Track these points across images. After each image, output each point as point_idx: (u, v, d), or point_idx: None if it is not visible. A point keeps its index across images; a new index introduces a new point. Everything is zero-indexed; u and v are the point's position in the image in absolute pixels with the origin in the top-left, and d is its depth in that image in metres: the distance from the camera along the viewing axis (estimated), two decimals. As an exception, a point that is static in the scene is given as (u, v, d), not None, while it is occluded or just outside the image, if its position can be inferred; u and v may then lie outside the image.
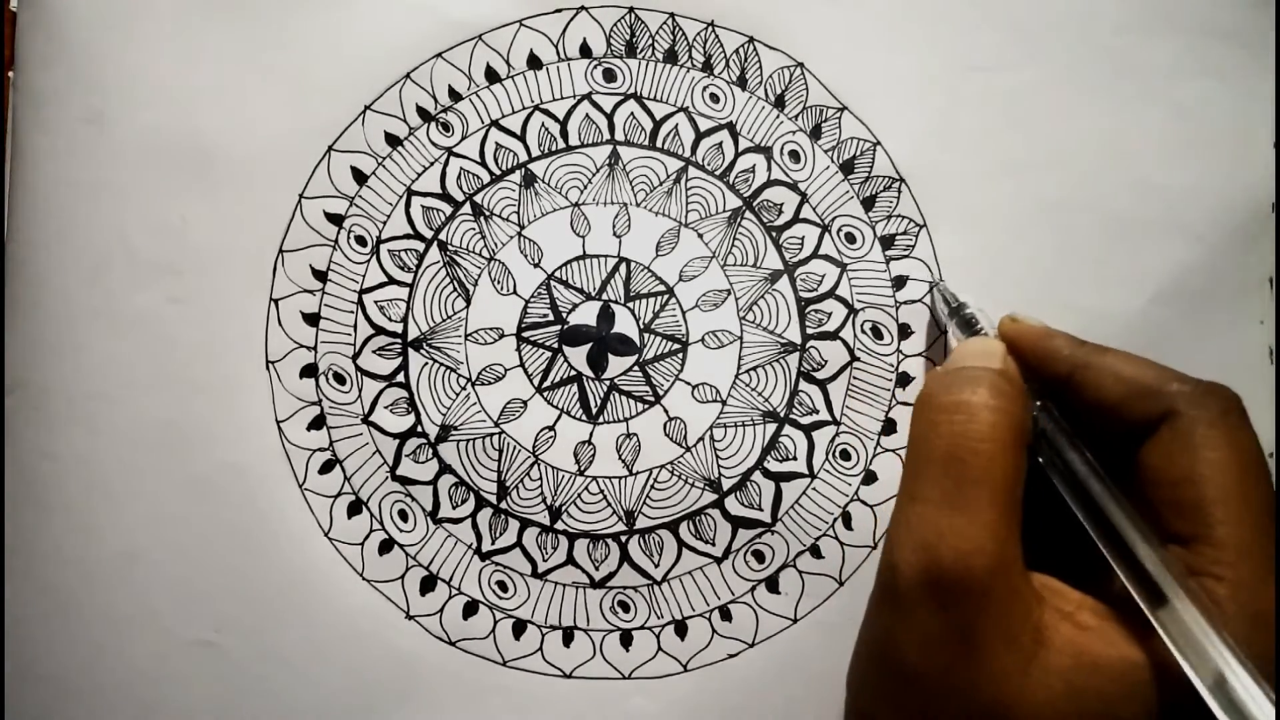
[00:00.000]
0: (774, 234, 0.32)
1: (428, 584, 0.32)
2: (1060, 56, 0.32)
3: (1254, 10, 0.32)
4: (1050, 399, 0.27)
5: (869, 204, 0.32)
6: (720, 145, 0.33)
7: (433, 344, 0.32)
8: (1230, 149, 0.32)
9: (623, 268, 0.32)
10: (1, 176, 0.33)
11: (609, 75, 0.33)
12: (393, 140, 0.32)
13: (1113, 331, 0.31)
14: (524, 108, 0.33)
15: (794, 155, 0.33)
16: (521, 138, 0.33)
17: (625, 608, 0.32)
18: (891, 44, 0.32)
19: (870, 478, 0.32)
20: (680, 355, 0.32)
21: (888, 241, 0.32)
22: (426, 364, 0.32)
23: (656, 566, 0.32)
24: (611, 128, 0.33)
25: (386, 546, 0.32)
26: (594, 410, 0.32)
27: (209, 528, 0.32)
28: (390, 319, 0.32)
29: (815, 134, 0.33)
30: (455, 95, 0.33)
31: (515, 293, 0.32)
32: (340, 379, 0.32)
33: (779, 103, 0.33)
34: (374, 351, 0.32)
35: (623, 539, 0.32)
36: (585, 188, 0.32)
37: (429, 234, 0.32)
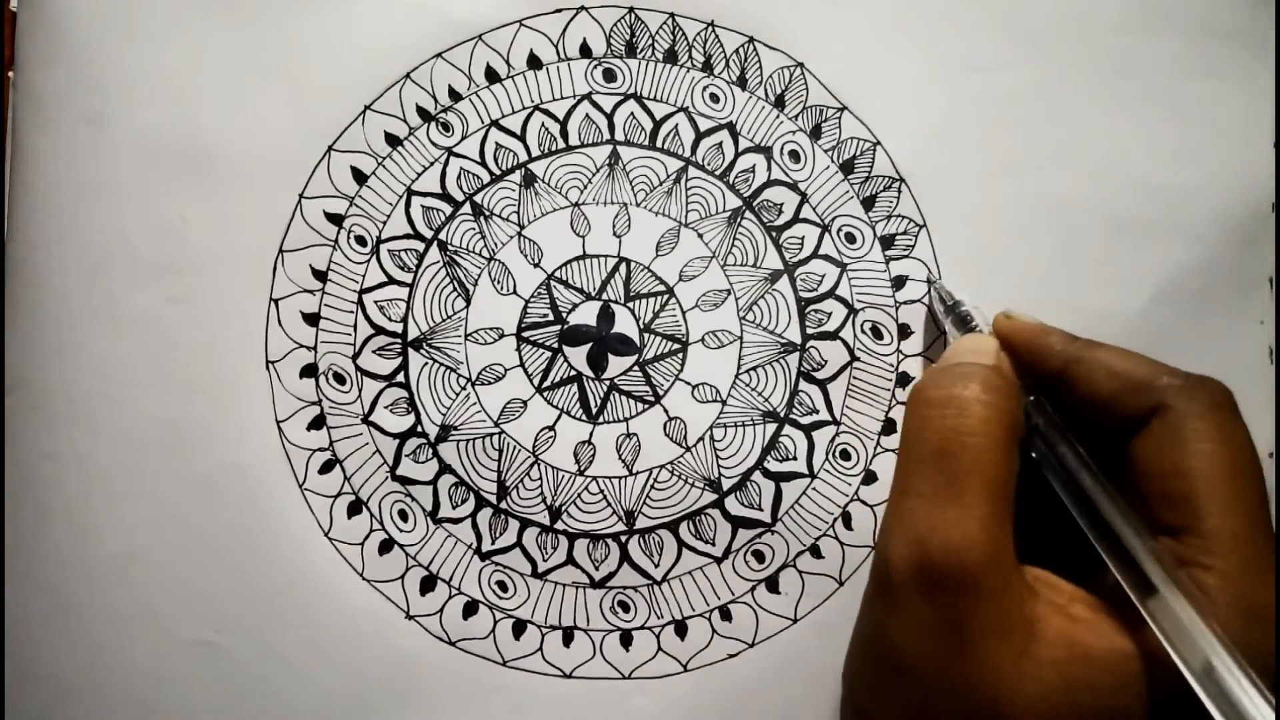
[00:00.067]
0: (774, 234, 0.32)
1: (428, 584, 0.32)
2: (1060, 56, 0.32)
3: (1254, 10, 0.32)
4: (1044, 394, 0.28)
5: (869, 204, 0.32)
6: (720, 145, 0.33)
7: (433, 344, 0.32)
8: (1230, 149, 0.32)
9: (623, 268, 0.32)
10: (1, 176, 0.33)
11: (609, 75, 0.33)
12: (393, 140, 0.32)
13: (1113, 331, 0.31)
14: (524, 108, 0.33)
15: (794, 155, 0.33)
16: (521, 138, 0.33)
17: (625, 608, 0.32)
18: (891, 44, 0.32)
19: (870, 478, 0.32)
20: (680, 355, 0.32)
21: (888, 241, 0.32)
22: (426, 364, 0.32)
23: (656, 566, 0.32)
24: (611, 128, 0.33)
25: (386, 546, 0.32)
26: (594, 410, 0.32)
27: (209, 528, 0.32)
28: (390, 319, 0.32)
29: (815, 134, 0.33)
30: (455, 95, 0.33)
31: (515, 293, 0.32)
32: (340, 379, 0.32)
33: (779, 103, 0.33)
34: (374, 351, 0.32)
35: (623, 539, 0.32)
36: (585, 188, 0.32)
37: (429, 234, 0.32)
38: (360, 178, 0.32)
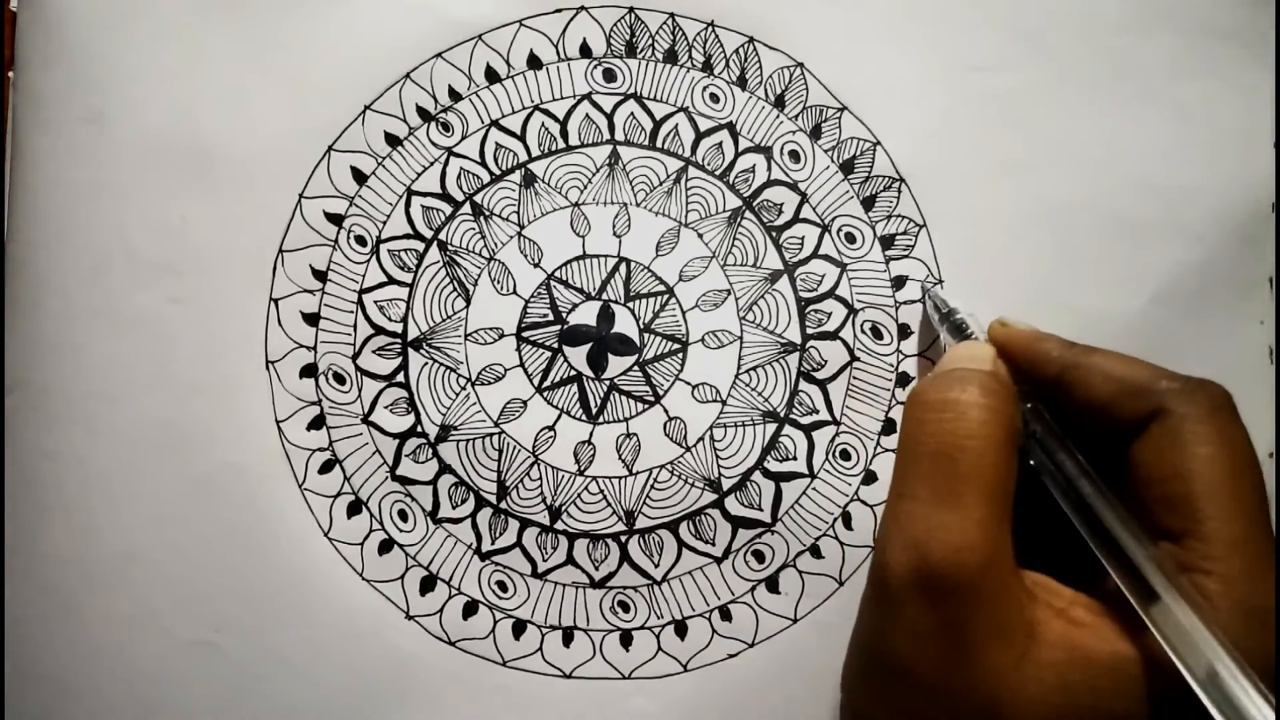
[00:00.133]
0: (774, 234, 0.32)
1: (427, 584, 0.32)
2: (1060, 56, 0.32)
3: (1254, 10, 0.32)
4: (1041, 401, 0.28)
5: (869, 204, 0.32)
6: (720, 145, 0.33)
7: (432, 344, 0.32)
8: (1230, 149, 0.32)
9: (623, 268, 0.32)
10: (1, 176, 0.33)
11: (609, 75, 0.33)
12: (393, 140, 0.32)
13: (1113, 331, 0.31)
14: (524, 108, 0.33)
15: (794, 155, 0.33)
16: (521, 138, 0.33)
17: (625, 608, 0.32)
18: (891, 44, 0.32)
19: (870, 478, 0.32)
20: (680, 355, 0.32)
21: (888, 241, 0.32)
22: (426, 364, 0.32)
23: (656, 566, 0.32)
24: (611, 128, 0.33)
25: (386, 546, 0.32)
26: (594, 410, 0.32)
27: (209, 528, 0.32)
28: (390, 319, 0.32)
29: (815, 134, 0.33)
30: (455, 95, 0.33)
31: (515, 293, 0.32)
32: (340, 379, 0.32)
33: (779, 103, 0.33)
34: (374, 351, 0.32)
35: (623, 539, 0.32)
36: (585, 188, 0.32)
37: (429, 234, 0.32)
38: (360, 178, 0.32)
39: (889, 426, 0.32)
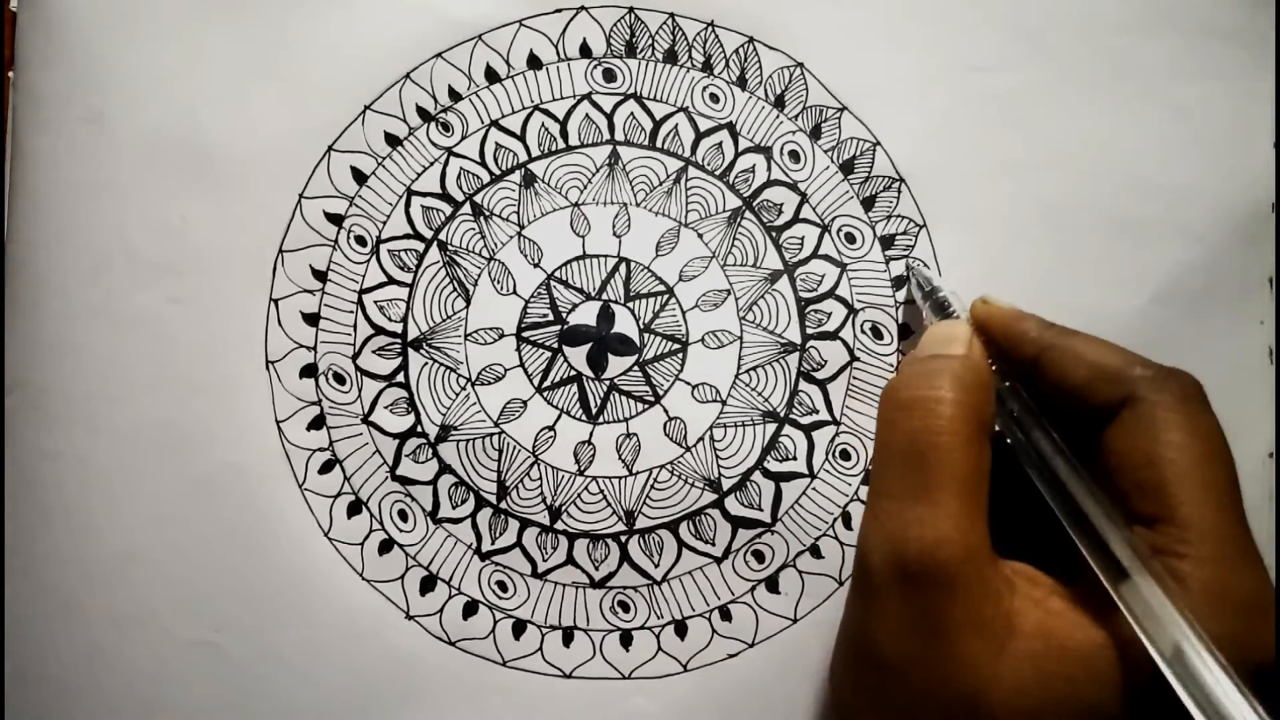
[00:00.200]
0: (774, 234, 0.32)
1: (427, 584, 0.32)
2: (1060, 56, 0.32)
3: (1254, 10, 0.32)
4: (1019, 381, 0.28)
5: (869, 204, 0.32)
6: (720, 145, 0.33)
7: (432, 344, 0.32)
8: (1230, 149, 0.32)
9: (623, 268, 0.32)
10: (1, 176, 0.33)
11: (609, 75, 0.33)
12: (393, 140, 0.32)
13: (1113, 331, 0.31)
14: (524, 108, 0.33)
15: (794, 155, 0.33)
16: (521, 138, 0.33)
17: (625, 608, 0.32)
18: (891, 44, 0.32)
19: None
20: (680, 355, 0.32)
21: (888, 241, 0.32)
22: (426, 364, 0.32)
23: (656, 566, 0.32)
24: (611, 128, 0.33)
25: (386, 546, 0.32)
26: (594, 410, 0.32)
27: (209, 528, 0.32)
28: (390, 319, 0.32)
29: (815, 134, 0.33)
30: (455, 95, 0.33)
31: (515, 293, 0.32)
32: (340, 379, 0.32)
33: (779, 103, 0.33)
34: (374, 351, 0.32)
35: (623, 539, 0.32)
36: (585, 188, 0.32)
37: (429, 234, 0.32)
38: (360, 178, 0.32)
39: (889, 426, 0.32)
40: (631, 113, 0.33)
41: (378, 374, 0.32)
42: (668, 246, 0.32)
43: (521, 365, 0.32)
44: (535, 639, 0.32)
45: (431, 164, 0.33)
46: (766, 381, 0.32)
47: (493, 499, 0.32)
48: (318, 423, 0.32)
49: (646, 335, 0.32)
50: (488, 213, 0.32)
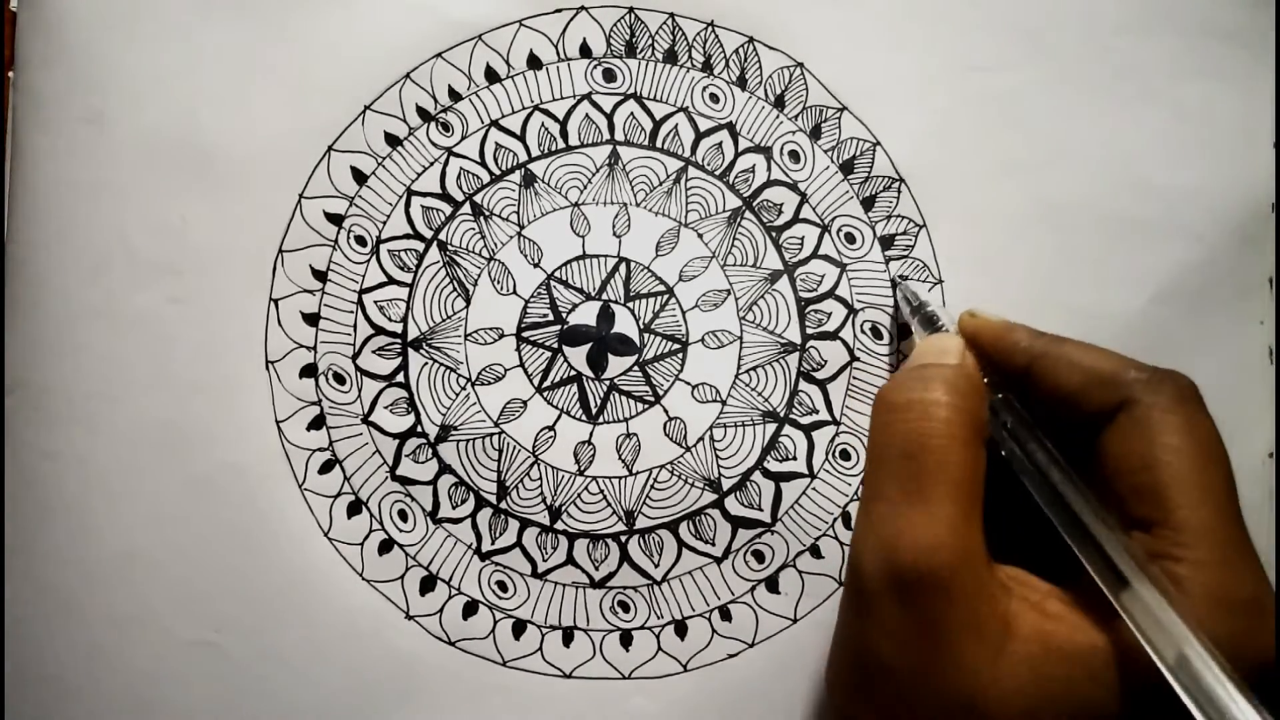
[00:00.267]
0: (774, 234, 0.32)
1: (427, 584, 0.32)
2: (1060, 56, 0.32)
3: (1254, 10, 0.32)
4: (1011, 392, 0.28)
5: (869, 204, 0.32)
6: (720, 145, 0.33)
7: (432, 344, 0.32)
8: (1230, 149, 0.32)
9: (623, 268, 0.32)
10: (1, 176, 0.33)
11: (609, 75, 0.33)
12: (393, 140, 0.32)
13: (1113, 331, 0.31)
14: (524, 108, 0.33)
15: (794, 155, 0.33)
16: (521, 138, 0.33)
17: (625, 608, 0.32)
18: (891, 44, 0.32)
19: (870, 478, 0.32)
20: (680, 355, 0.32)
21: (887, 241, 0.32)
22: (426, 364, 0.32)
23: (656, 566, 0.32)
24: (611, 128, 0.33)
25: (386, 546, 0.32)
26: (594, 410, 0.32)
27: (209, 528, 0.32)
28: (390, 319, 0.32)
29: (815, 134, 0.33)
30: (455, 95, 0.33)
31: (515, 293, 0.32)
32: (340, 379, 0.32)
33: (779, 103, 0.33)
34: (374, 351, 0.32)
35: (623, 539, 0.32)
36: (585, 188, 0.32)
37: (429, 234, 0.32)
38: (360, 178, 0.32)
39: (889, 426, 0.32)
40: (631, 113, 0.33)
41: (378, 374, 0.32)
42: (668, 246, 0.32)
43: (521, 365, 0.32)
44: (535, 639, 0.32)
45: (431, 164, 0.33)
46: (766, 381, 0.32)
47: (493, 499, 0.32)
48: (318, 423, 0.32)
49: (646, 335, 0.32)
50: (488, 213, 0.32)
